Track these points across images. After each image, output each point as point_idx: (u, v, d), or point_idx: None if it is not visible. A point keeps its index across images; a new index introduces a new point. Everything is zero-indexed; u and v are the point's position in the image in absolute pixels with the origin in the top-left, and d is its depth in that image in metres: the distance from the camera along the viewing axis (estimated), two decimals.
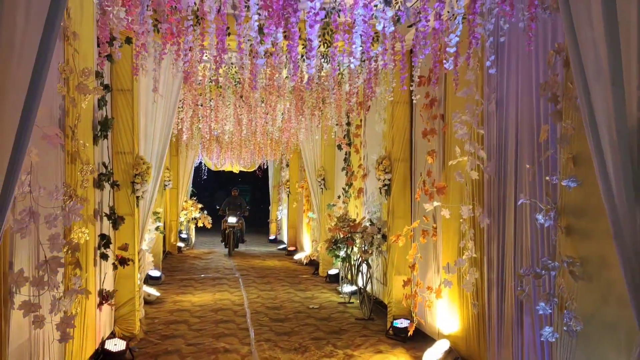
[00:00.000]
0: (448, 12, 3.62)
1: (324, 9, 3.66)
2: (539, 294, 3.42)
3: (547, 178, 3.36)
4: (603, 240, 2.90)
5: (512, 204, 3.94)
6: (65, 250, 3.67)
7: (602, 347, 2.98)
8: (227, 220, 13.89)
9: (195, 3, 3.99)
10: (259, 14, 3.27)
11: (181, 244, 14.53)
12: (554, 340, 3.24)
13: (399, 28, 3.71)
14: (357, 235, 7.41)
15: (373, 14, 3.19)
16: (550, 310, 3.26)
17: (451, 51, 3.49)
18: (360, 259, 7.64)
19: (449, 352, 4.91)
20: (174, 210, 13.88)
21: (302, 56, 5.47)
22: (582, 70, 2.36)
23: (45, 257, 3.16)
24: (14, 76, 2.05)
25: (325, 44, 5.24)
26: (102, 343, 5.19)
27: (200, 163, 16.92)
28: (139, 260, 6.11)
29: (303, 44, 4.53)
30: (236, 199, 14.59)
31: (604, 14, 2.32)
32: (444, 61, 3.60)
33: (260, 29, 3.51)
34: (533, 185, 3.57)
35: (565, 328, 3.15)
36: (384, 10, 3.20)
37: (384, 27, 3.33)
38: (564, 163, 3.20)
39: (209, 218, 15.27)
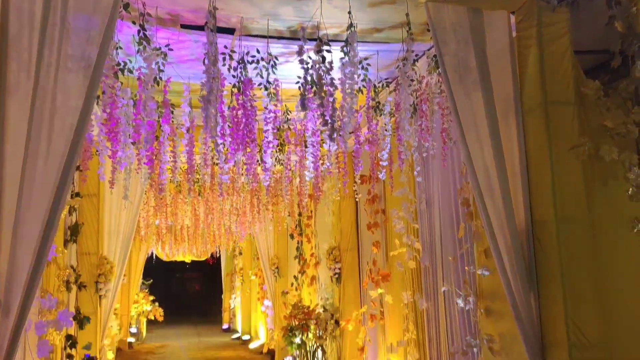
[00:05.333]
0: (379, 131, 4.42)
1: (279, 129, 4.39)
2: None
3: (467, 268, 4.03)
4: (513, 319, 3.53)
5: (441, 290, 4.58)
6: None
7: None
8: None
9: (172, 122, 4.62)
10: (223, 142, 3.93)
11: (131, 339, 14.22)
12: None
13: (340, 147, 4.44)
14: (311, 321, 7.80)
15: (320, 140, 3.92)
16: None
17: (384, 164, 4.25)
18: (315, 345, 7.97)
19: None
20: (125, 304, 13.72)
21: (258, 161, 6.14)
22: (479, 188, 3.08)
23: None
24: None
25: (279, 150, 5.96)
26: None
27: (151, 253, 16.95)
28: (100, 358, 6.25)
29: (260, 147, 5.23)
30: None
31: (492, 147, 3.10)
32: (379, 171, 4.35)
33: (225, 149, 4.17)
34: (456, 274, 4.23)
35: None
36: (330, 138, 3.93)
37: (329, 146, 4.06)
38: (478, 255, 3.89)
39: (161, 310, 15.15)
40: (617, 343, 2.91)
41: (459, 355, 3.96)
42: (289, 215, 8.92)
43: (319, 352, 7.92)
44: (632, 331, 2.96)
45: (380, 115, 4.58)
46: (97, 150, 4.24)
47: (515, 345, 3.54)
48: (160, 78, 3.58)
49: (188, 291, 32.38)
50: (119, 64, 3.43)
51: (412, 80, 3.77)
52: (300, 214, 9.54)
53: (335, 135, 3.16)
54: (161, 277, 23.86)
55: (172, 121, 4.50)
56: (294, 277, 9.77)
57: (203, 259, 17.81)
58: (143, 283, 16.70)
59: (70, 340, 5.25)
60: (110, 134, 3.58)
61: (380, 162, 4.21)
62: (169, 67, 3.72)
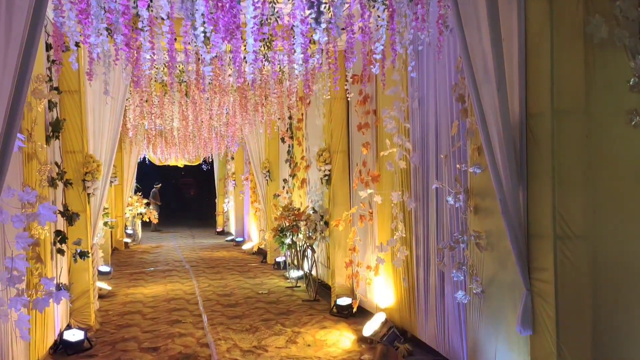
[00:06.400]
0: (372, 23, 4.13)
1: (266, 21, 4.11)
2: (455, 264, 4.02)
3: (458, 166, 3.96)
4: (500, 216, 3.51)
5: (432, 189, 4.54)
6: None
7: (502, 304, 3.60)
8: None
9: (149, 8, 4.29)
10: (204, 27, 3.65)
11: (127, 240, 14.58)
12: (466, 301, 3.86)
13: (331, 38, 4.18)
14: (301, 222, 7.90)
15: (310, 27, 3.65)
16: (462, 277, 3.87)
17: (377, 57, 4.01)
18: (305, 245, 8.15)
19: (384, 323, 5.50)
20: (120, 206, 13.89)
21: (244, 58, 5.84)
22: (474, 79, 2.92)
23: (12, 253, 3.43)
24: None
25: (266, 46, 5.66)
26: (60, 334, 5.44)
27: (144, 158, 16.91)
28: (92, 255, 6.34)
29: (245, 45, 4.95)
30: None
31: (491, 34, 2.89)
32: (371, 66, 4.12)
33: (207, 39, 3.90)
34: (447, 172, 4.16)
35: (474, 291, 3.77)
36: (316, 21, 3.66)
37: (319, 37, 3.80)
38: (471, 153, 3.80)
39: (155, 213, 15.38)
40: (602, 235, 2.90)
41: (446, 250, 4.00)
42: (279, 119, 8.76)
43: (309, 252, 8.11)
44: (617, 223, 2.93)
45: (373, 7, 4.27)
46: (68, 38, 3.98)
47: (501, 241, 3.56)
48: None
49: (183, 196, 32.92)
50: None
51: None
52: (290, 117, 9.37)
53: (321, 18, 2.92)
54: (156, 182, 24.07)
55: (151, 10, 4.18)
56: (284, 180, 9.80)
57: (196, 164, 17.82)
58: (138, 187, 16.93)
59: (60, 236, 5.26)
60: (80, 16, 3.31)
61: (374, 56, 3.97)
62: None
